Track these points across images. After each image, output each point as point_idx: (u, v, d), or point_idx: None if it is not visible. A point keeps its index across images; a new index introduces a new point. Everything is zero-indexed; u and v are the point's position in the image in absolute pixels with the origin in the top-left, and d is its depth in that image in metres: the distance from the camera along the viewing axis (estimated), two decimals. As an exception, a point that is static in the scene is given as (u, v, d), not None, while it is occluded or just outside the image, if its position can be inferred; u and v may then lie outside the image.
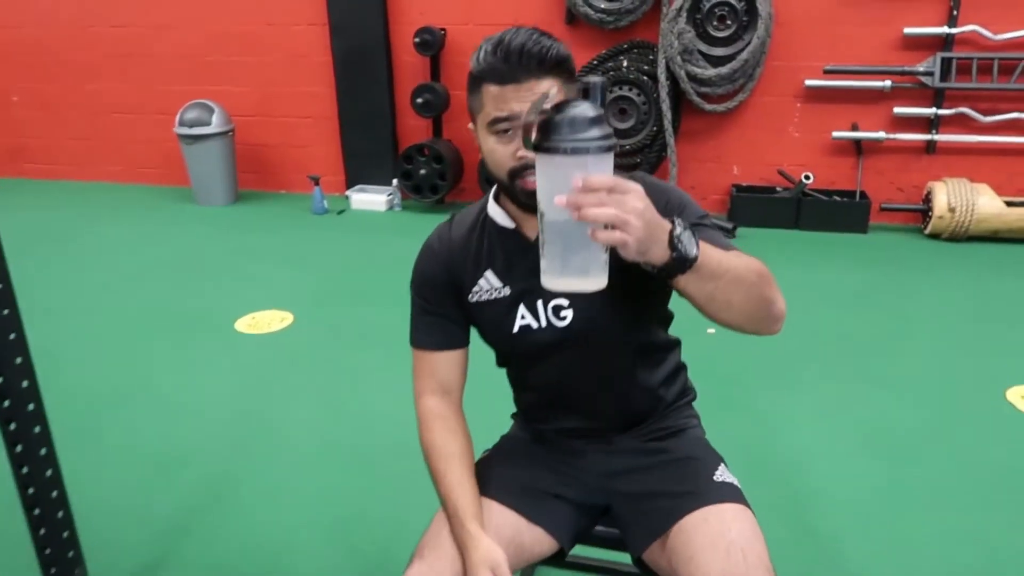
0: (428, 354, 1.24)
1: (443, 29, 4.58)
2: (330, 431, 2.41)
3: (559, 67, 1.01)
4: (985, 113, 4.08)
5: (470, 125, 1.12)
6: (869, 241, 4.20)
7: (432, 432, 1.20)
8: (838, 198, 4.35)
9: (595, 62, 4.36)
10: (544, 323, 1.16)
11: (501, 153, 1.05)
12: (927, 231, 4.17)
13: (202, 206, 5.02)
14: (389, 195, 4.88)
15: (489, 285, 1.18)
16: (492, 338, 1.23)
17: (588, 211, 0.79)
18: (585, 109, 0.83)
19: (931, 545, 1.89)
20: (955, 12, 3.96)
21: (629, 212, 0.80)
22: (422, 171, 4.67)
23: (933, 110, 4.13)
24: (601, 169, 0.83)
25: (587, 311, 1.13)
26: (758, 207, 4.38)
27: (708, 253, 0.91)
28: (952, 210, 4.00)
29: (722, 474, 1.18)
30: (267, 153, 5.27)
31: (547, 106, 0.85)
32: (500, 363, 1.31)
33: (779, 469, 2.20)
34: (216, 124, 4.81)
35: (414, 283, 1.26)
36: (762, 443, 2.32)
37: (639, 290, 1.09)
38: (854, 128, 4.26)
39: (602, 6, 4.21)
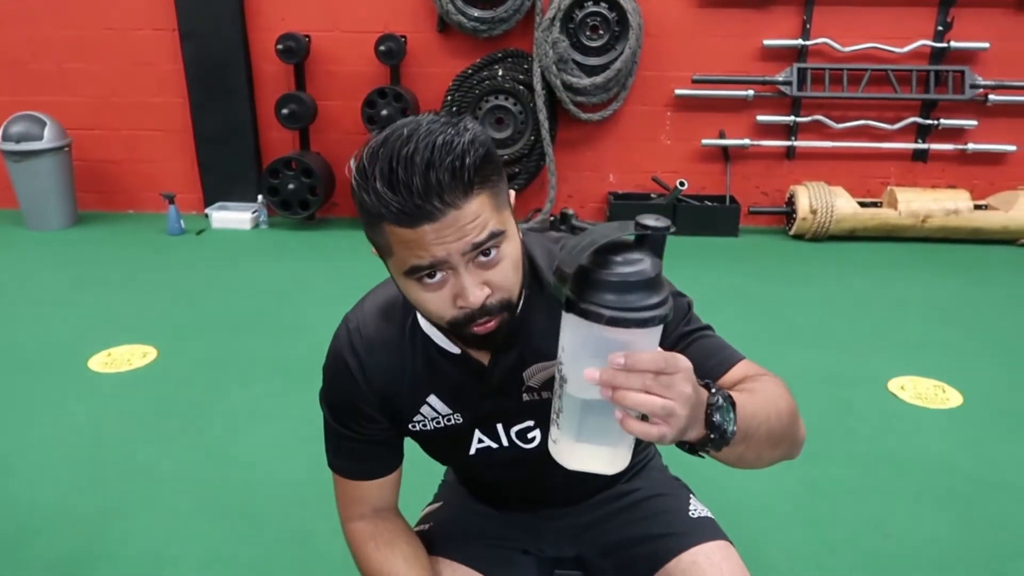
0: (354, 482, 1.02)
1: (307, 36, 4.32)
2: (211, 483, 2.14)
3: (484, 173, 0.75)
4: (837, 120, 4.34)
5: (373, 251, 0.84)
6: (740, 244, 4.36)
7: (368, 558, 1.00)
8: (710, 203, 4.49)
9: (470, 71, 4.27)
10: (506, 443, 0.99)
11: (435, 304, 0.80)
12: (791, 232, 4.38)
13: (34, 231, 4.46)
14: (254, 212, 4.54)
15: (434, 412, 0.97)
16: (439, 458, 1.06)
17: (627, 397, 0.63)
18: (641, 268, 0.64)
19: (845, 539, 1.93)
20: (808, 25, 4.19)
21: (676, 399, 0.64)
22: (290, 186, 4.38)
23: (792, 118, 4.35)
24: (649, 343, 0.66)
25: None
26: (635, 214, 4.39)
27: (744, 415, 0.76)
28: (814, 212, 4.23)
29: (696, 508, 1.10)
30: (111, 170, 4.78)
31: (618, 237, 0.65)
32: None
33: (695, 483, 2.17)
34: (49, 139, 4.29)
35: (327, 404, 1.00)
36: (674, 456, 2.29)
37: None
38: (721, 135, 4.42)
39: (475, 15, 4.12)
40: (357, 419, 0.97)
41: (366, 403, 0.96)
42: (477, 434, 0.98)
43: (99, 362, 2.82)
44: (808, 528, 1.98)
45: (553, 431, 0.71)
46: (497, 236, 0.78)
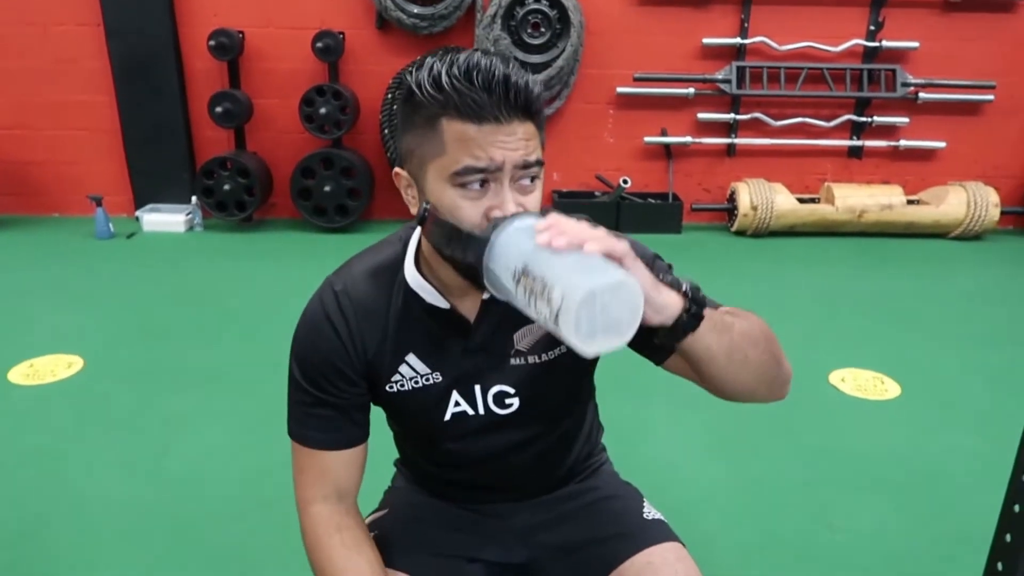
0: (321, 454, 0.97)
1: (241, 32, 4.19)
2: (146, 498, 2.03)
3: (539, 106, 0.82)
4: (775, 118, 4.42)
5: (399, 171, 0.86)
6: (684, 240, 4.40)
7: (331, 553, 0.94)
8: (653, 200, 4.51)
9: (410, 68, 4.20)
10: (482, 410, 0.97)
11: (469, 212, 0.81)
12: (733, 228, 4.44)
13: (-49, 236, 4.22)
14: (188, 214, 4.38)
15: (412, 372, 0.95)
16: (412, 425, 1.02)
17: (565, 231, 0.72)
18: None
19: (792, 532, 1.94)
20: (746, 24, 4.25)
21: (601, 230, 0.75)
22: (226, 186, 4.24)
23: (731, 115, 4.41)
24: None
25: (533, 393, 0.97)
26: (580, 212, 4.42)
27: (710, 308, 0.84)
28: (755, 208, 4.29)
29: (649, 511, 1.09)
30: (32, 172, 4.54)
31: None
32: (400, 438, 1.11)
33: (643, 481, 2.16)
34: (-36, 139, 4.07)
35: (301, 366, 0.96)
36: (623, 455, 2.27)
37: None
38: (663, 133, 4.45)
39: (415, 11, 4.05)
40: (335, 382, 0.94)
41: (348, 365, 0.94)
42: (454, 396, 0.97)
43: (20, 374, 2.66)
44: (755, 523, 1.98)
45: (563, 326, 0.68)
46: (541, 166, 0.83)
